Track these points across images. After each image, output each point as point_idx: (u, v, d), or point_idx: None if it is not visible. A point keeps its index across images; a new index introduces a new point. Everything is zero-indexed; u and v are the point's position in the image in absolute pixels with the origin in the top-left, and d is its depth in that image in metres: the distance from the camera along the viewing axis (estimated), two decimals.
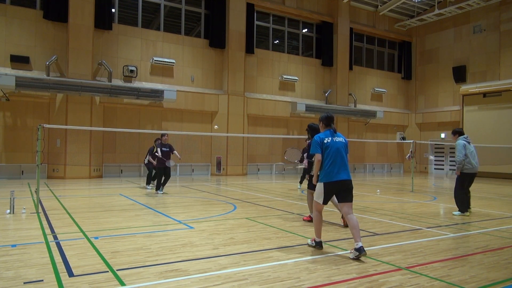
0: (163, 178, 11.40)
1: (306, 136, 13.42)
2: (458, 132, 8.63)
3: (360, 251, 4.74)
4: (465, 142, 8.33)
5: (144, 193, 11.47)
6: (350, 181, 5.12)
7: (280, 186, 14.78)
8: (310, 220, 7.18)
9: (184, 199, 10.58)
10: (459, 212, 8.35)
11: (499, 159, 18.68)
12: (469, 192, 8.44)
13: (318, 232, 5.24)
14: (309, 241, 5.39)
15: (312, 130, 7.07)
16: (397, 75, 26.56)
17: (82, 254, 4.82)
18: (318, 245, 5.23)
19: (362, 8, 24.41)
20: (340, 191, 5.10)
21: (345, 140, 5.28)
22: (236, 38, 19.38)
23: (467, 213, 8.29)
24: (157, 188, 11.38)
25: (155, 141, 12.34)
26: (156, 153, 11.40)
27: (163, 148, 11.35)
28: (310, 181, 7.09)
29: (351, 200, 5.11)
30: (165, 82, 18.14)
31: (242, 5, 19.57)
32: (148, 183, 12.86)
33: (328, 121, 5.33)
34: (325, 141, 5.13)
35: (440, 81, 24.91)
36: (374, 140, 23.88)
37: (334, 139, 5.17)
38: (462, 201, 8.32)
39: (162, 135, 11.56)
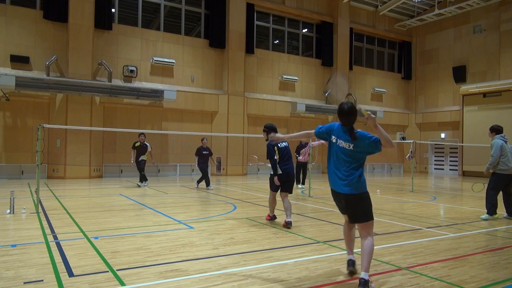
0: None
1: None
2: (496, 130, 8.11)
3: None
4: (502, 141, 7.89)
5: (144, 193, 11.47)
6: (350, 195, 3.90)
7: None
8: (270, 219, 7.27)
9: (184, 199, 10.58)
10: (488, 215, 7.90)
11: None
12: (511, 194, 8.03)
13: (348, 248, 4.34)
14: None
15: (269, 129, 6.74)
16: (397, 75, 26.56)
17: (82, 254, 4.82)
18: (350, 265, 4.22)
19: (362, 8, 24.40)
20: (341, 204, 4.10)
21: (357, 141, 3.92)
22: (236, 38, 19.38)
23: (496, 215, 7.93)
24: (207, 184, 12.97)
25: (139, 136, 13.25)
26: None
27: (203, 152, 13.00)
28: (271, 181, 7.09)
29: (357, 220, 3.99)
30: (165, 82, 18.14)
31: (242, 5, 19.57)
32: (143, 180, 13.35)
33: (340, 115, 4.02)
34: (332, 139, 4.06)
35: (440, 81, 24.91)
36: None
37: (338, 140, 4.00)
38: (493, 203, 7.88)
39: (201, 139, 13.37)
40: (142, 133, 13.25)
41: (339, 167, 3.96)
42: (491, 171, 8.02)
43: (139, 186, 13.21)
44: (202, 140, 13.25)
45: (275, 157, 6.91)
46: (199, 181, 13.25)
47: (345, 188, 3.91)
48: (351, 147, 3.93)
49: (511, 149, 8.00)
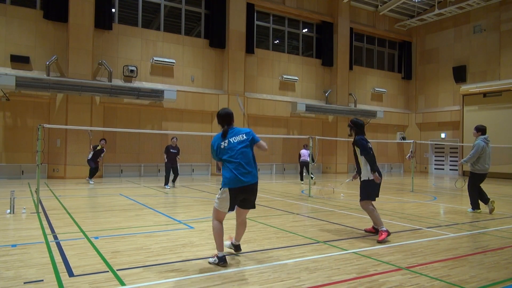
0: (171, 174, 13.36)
1: (306, 136, 13.46)
2: (481, 130, 8.66)
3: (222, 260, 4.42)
4: (484, 143, 8.45)
5: (144, 193, 11.47)
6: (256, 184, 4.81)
7: (280, 186, 14.79)
8: (374, 232, 6.18)
9: (184, 199, 10.59)
10: (472, 210, 8.76)
11: (498, 159, 18.68)
12: (480, 188, 8.78)
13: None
14: (210, 259, 4.52)
15: (355, 125, 6.22)
16: (397, 75, 26.57)
17: (82, 254, 4.82)
18: (221, 261, 4.42)
19: (362, 8, 24.40)
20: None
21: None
22: (236, 38, 19.39)
23: (479, 211, 8.69)
24: (166, 183, 13.21)
25: (100, 140, 14.07)
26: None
27: (171, 150, 13.25)
28: (367, 188, 6.02)
29: (253, 205, 4.88)
30: (165, 82, 18.14)
31: (242, 5, 19.57)
32: (91, 176, 14.03)
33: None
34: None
35: (440, 81, 24.91)
36: (374, 140, 23.74)
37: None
38: (474, 200, 8.73)
39: (171, 138, 13.78)
40: (103, 139, 14.14)
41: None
42: (468, 167, 8.75)
43: (91, 183, 13.75)
44: (172, 139, 13.54)
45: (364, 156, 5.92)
46: (173, 180, 13.52)
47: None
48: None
49: (489, 151, 8.62)
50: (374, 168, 5.90)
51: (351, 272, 4.27)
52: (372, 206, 6.02)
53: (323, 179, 18.48)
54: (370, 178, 5.93)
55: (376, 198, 6.19)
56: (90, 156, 13.87)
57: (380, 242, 5.63)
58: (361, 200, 6.09)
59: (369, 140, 6.17)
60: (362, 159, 6.03)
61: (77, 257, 4.64)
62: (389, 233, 5.81)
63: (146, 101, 17.43)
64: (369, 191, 5.99)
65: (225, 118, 4.80)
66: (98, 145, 13.89)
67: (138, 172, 17.75)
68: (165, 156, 13.29)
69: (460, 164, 8.81)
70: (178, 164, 13.55)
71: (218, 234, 4.50)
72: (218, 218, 4.57)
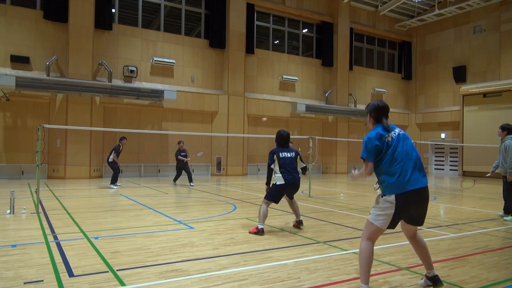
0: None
1: (306, 136, 13.44)
2: (507, 129, 8.11)
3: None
4: None
5: (144, 194, 11.47)
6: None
7: None
8: (256, 232, 6.15)
9: (184, 199, 10.59)
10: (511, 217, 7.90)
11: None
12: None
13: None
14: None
15: (279, 137, 6.74)
16: (397, 75, 26.56)
17: (82, 254, 4.82)
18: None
19: (362, 8, 24.41)
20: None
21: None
22: (236, 38, 19.39)
23: None
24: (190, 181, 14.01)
25: (120, 140, 13.27)
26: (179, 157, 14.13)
27: (181, 154, 14.01)
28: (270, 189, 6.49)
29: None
30: (165, 82, 18.15)
31: (242, 5, 19.57)
32: (112, 182, 12.82)
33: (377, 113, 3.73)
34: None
35: (440, 81, 24.91)
36: None
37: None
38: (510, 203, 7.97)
39: (178, 142, 14.62)
40: (124, 137, 13.33)
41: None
42: (501, 171, 8.08)
43: (116, 187, 12.78)
44: (179, 143, 14.22)
45: (272, 166, 6.50)
46: (175, 179, 14.46)
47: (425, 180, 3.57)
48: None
49: None
50: (267, 182, 6.59)
51: (351, 272, 4.27)
52: (267, 206, 6.39)
53: (322, 179, 18.47)
54: (277, 183, 6.41)
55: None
56: (112, 157, 12.82)
57: (250, 233, 6.15)
58: (264, 197, 6.53)
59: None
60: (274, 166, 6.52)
61: (77, 257, 4.64)
62: (259, 232, 6.10)
63: (146, 101, 17.43)
64: (272, 194, 6.44)
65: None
66: (120, 146, 13.07)
67: (138, 172, 17.75)
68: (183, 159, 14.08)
69: (510, 179, 8.01)
70: (188, 166, 14.14)
71: (367, 262, 3.47)
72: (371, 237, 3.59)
